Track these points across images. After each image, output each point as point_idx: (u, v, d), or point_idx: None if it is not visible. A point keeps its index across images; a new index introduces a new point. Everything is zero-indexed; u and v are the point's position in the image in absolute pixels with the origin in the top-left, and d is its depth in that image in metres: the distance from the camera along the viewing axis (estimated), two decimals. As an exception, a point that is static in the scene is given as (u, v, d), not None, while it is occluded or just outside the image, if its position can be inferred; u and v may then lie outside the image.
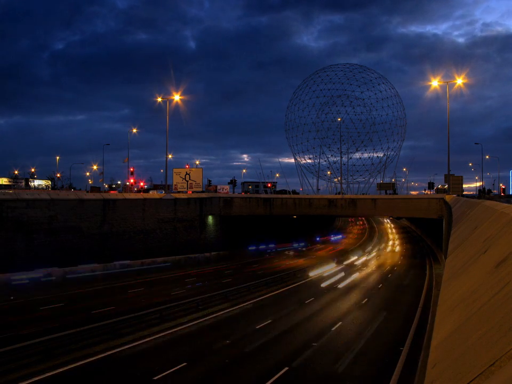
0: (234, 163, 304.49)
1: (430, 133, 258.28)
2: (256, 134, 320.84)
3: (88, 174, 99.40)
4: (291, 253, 68.31)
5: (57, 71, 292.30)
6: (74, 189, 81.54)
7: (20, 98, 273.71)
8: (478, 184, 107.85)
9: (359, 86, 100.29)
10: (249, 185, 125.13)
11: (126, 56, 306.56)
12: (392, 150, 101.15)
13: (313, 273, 46.64)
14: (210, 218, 58.43)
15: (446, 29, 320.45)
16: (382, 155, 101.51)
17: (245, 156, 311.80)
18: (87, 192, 58.63)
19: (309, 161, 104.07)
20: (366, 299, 34.22)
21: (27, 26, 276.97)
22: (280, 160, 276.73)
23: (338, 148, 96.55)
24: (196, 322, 26.37)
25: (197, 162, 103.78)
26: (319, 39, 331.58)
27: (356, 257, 65.59)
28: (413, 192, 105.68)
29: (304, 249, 74.53)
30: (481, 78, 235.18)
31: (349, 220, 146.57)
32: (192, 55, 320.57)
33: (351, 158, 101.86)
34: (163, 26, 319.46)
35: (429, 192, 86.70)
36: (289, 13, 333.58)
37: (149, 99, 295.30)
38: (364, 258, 65.17)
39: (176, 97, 56.35)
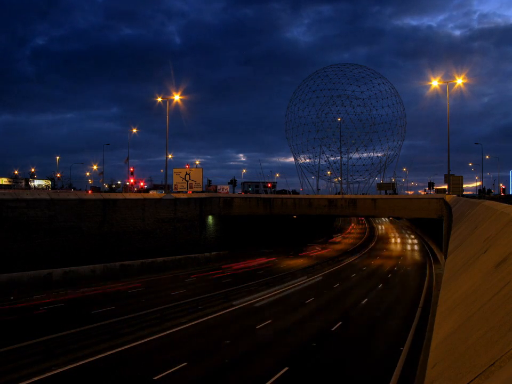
0: (231, 162, 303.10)
1: (425, 132, 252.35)
2: (249, 133, 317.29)
3: (88, 174, 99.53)
4: (290, 252, 68.25)
5: (41, 68, 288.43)
6: (74, 189, 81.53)
7: (6, 96, 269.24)
8: (478, 184, 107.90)
9: (359, 86, 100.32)
10: (249, 185, 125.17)
11: (111, 52, 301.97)
12: (392, 149, 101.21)
13: (312, 274, 46.66)
14: (210, 218, 58.43)
15: (441, 21, 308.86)
16: (382, 155, 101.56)
17: (241, 155, 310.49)
18: (87, 191, 58.63)
19: (309, 161, 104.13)
20: (366, 299, 34.26)
21: (4, 21, 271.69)
22: (278, 159, 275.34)
23: (338, 148, 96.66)
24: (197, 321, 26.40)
25: (197, 162, 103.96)
26: (308, 33, 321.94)
27: (355, 257, 65.64)
28: (409, 192, 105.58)
29: (303, 249, 74.47)
30: (478, 74, 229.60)
31: (349, 220, 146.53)
32: (179, 51, 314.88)
33: (351, 158, 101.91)
34: (147, 20, 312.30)
35: (423, 193, 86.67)
36: (276, 4, 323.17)
37: (138, 97, 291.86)
38: (363, 258, 65.19)
39: (176, 97, 56.30)
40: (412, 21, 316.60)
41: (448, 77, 50.45)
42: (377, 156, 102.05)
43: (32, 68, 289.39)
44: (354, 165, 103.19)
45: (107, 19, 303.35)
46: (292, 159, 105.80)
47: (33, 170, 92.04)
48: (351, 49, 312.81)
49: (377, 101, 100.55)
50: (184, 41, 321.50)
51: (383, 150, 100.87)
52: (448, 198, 42.80)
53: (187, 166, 74.22)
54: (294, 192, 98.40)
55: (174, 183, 63.98)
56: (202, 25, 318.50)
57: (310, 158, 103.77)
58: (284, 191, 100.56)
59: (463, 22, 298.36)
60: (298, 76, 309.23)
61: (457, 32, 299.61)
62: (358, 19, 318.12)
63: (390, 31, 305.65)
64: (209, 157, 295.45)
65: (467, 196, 55.67)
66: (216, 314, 28.14)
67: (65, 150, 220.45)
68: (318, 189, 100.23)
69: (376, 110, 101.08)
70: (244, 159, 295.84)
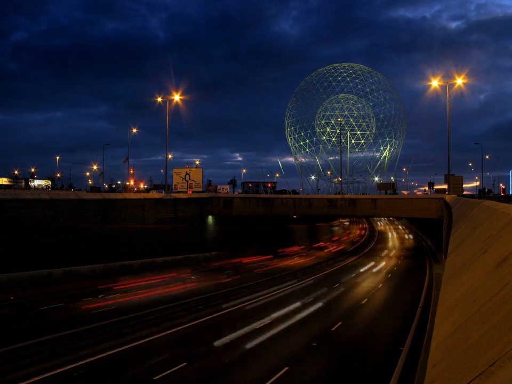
0: (228, 162, 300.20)
1: (420, 130, 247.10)
2: (243, 131, 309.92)
3: (88, 174, 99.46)
4: (291, 253, 68.24)
5: (24, 64, 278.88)
6: (74, 189, 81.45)
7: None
8: (477, 184, 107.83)
9: (359, 86, 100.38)
10: (249, 185, 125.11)
11: (95, 48, 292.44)
12: (392, 149, 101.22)
13: (312, 274, 46.64)
14: (210, 218, 58.44)
15: (436, 12, 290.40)
16: (382, 155, 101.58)
17: (237, 154, 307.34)
18: (87, 192, 58.62)
19: (308, 160, 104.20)
20: (366, 299, 34.25)
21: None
22: (273, 159, 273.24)
23: (338, 148, 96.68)
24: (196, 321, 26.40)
25: (197, 162, 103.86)
26: (296, 25, 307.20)
27: (355, 257, 65.61)
28: (405, 192, 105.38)
29: (304, 249, 74.43)
30: (475, 70, 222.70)
31: (349, 220, 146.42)
32: (164, 47, 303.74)
33: (351, 157, 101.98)
34: (128, 13, 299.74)
35: (418, 193, 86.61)
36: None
37: (126, 95, 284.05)
38: (363, 258, 65.17)
39: (177, 97, 56.33)
40: (406, 12, 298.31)
41: (445, 74, 50.20)
42: (377, 156, 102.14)
43: (14, 64, 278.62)
44: (354, 165, 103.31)
45: (87, 12, 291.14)
46: (287, 158, 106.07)
47: (33, 170, 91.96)
48: (341, 43, 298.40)
49: (377, 101, 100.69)
50: (169, 36, 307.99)
51: (383, 150, 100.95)
52: (448, 198, 42.80)
53: (187, 166, 74.20)
54: (294, 192, 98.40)
55: (174, 183, 63.97)
56: (186, 18, 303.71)
57: (310, 158, 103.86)
58: (284, 191, 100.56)
59: (459, 13, 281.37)
60: (288, 72, 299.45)
61: (453, 25, 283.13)
62: (347, 10, 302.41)
63: (382, 23, 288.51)
64: (205, 156, 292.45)
65: (466, 196, 55.66)
66: (215, 314, 28.17)
67: (58, 150, 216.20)
68: (318, 189, 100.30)
69: (377, 109, 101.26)
70: (240, 159, 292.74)
